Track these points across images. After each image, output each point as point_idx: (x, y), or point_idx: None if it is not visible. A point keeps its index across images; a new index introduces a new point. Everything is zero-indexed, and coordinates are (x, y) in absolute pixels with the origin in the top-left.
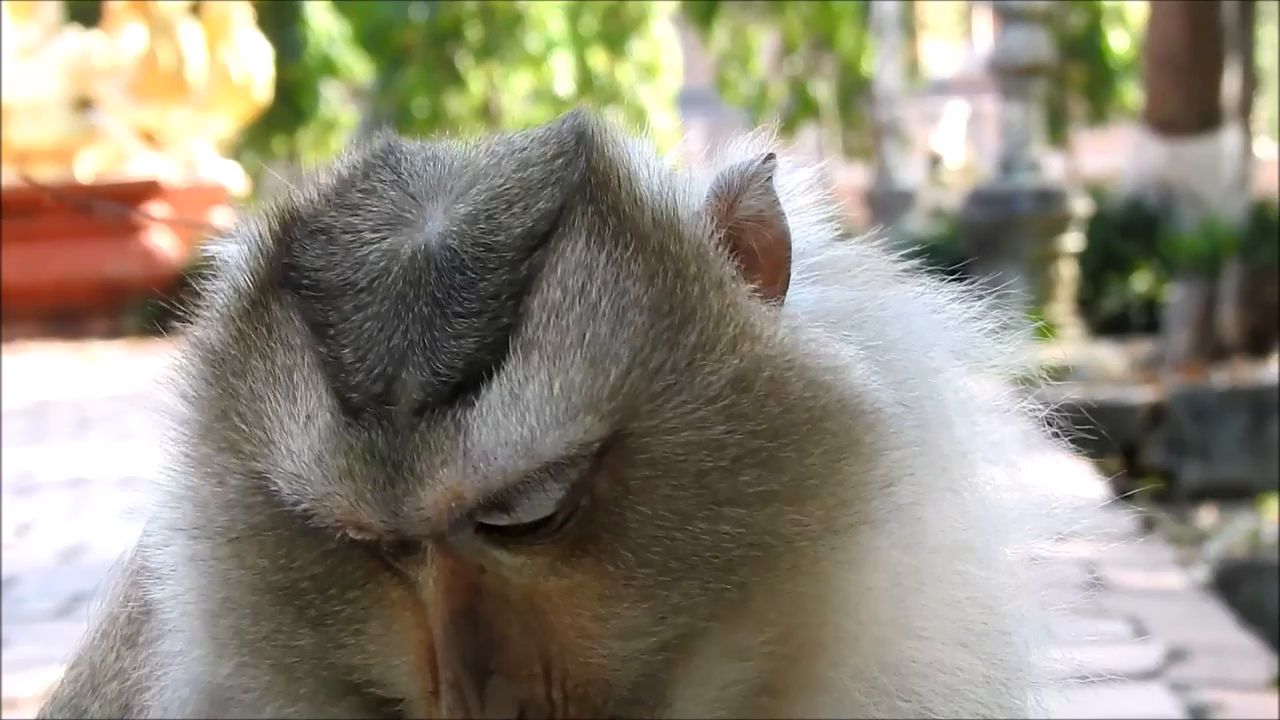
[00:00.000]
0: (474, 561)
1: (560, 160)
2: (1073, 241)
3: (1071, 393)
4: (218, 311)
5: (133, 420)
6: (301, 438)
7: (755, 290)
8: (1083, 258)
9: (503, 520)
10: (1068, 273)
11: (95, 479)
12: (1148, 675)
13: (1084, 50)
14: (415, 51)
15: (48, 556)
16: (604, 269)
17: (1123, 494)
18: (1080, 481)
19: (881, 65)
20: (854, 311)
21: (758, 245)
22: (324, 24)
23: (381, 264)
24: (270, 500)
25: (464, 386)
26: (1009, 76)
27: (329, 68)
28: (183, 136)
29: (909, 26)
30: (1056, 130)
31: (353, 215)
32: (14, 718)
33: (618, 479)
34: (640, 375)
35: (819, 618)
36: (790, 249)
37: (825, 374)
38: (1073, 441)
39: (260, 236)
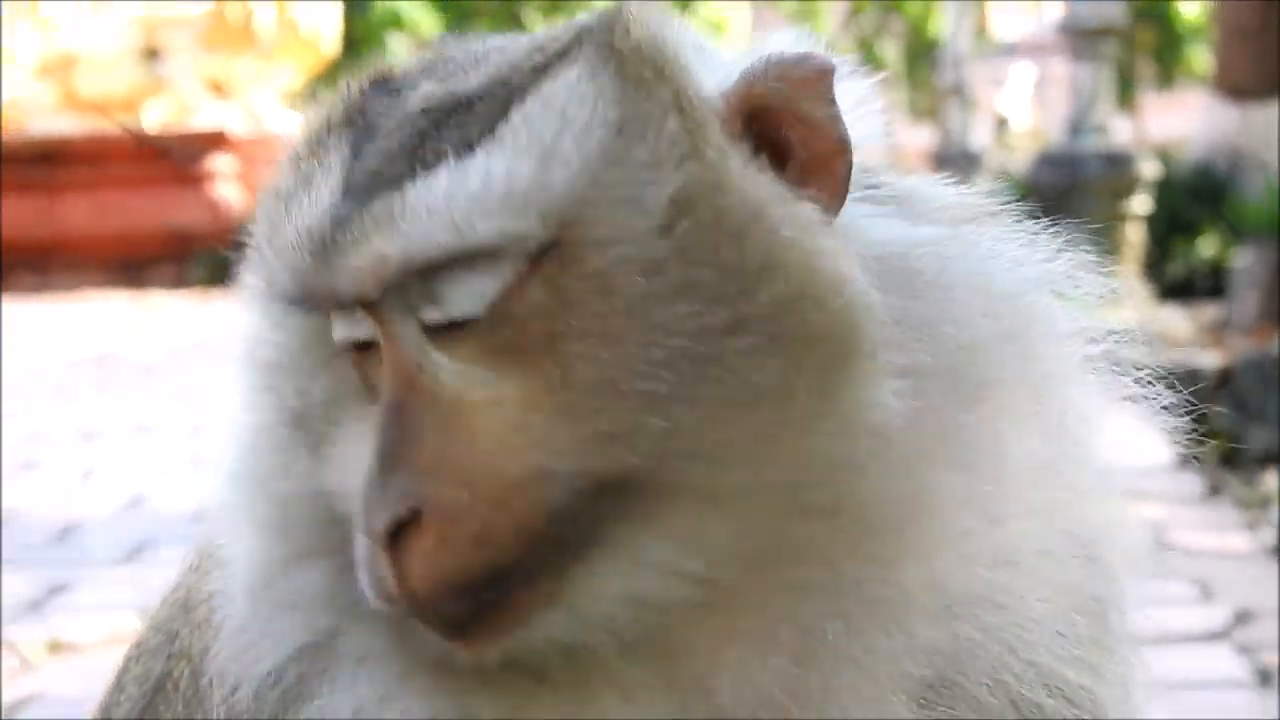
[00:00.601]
0: (414, 359)
1: (590, 20)
2: (1140, 205)
3: (1140, 355)
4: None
5: (196, 370)
6: (280, 228)
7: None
8: (1150, 221)
9: (434, 313)
10: (1135, 236)
11: (159, 428)
12: (1214, 637)
13: (1153, 14)
14: (483, 6)
15: (112, 504)
16: (586, 92)
17: (1190, 457)
18: (1148, 443)
19: (950, 27)
20: (924, 244)
21: (806, 150)
22: None
23: (411, 100)
24: (276, 314)
25: (416, 169)
26: (1079, 38)
27: (396, 21)
28: (249, 88)
29: None
30: (1125, 94)
31: (416, 72)
32: (82, 660)
33: (553, 289)
34: (587, 184)
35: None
36: (849, 161)
37: (786, 227)
38: (1142, 403)
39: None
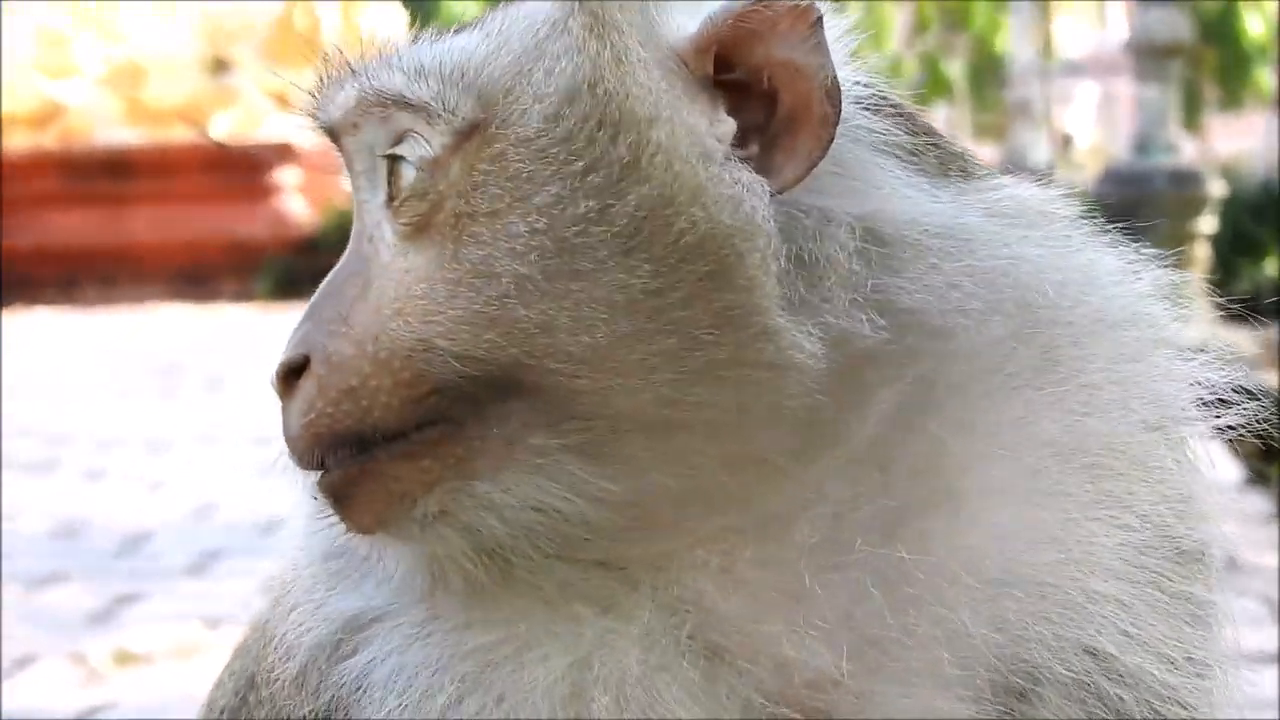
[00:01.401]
0: (368, 231)
1: None
2: (1207, 224)
3: (1208, 372)
4: None
5: (262, 381)
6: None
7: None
8: (1214, 240)
9: (388, 149)
10: (1201, 254)
11: (226, 438)
12: None
13: (1218, 33)
14: None
15: (179, 514)
16: (544, 6)
17: (1257, 476)
18: (1216, 462)
19: (1014, 44)
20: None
21: (790, 93)
22: None
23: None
24: None
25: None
26: (1146, 56)
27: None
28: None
29: (1044, 6)
30: (1190, 113)
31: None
32: (150, 670)
33: (468, 168)
34: (515, 71)
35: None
36: (833, 103)
37: (661, 134)
38: (1209, 421)
39: None
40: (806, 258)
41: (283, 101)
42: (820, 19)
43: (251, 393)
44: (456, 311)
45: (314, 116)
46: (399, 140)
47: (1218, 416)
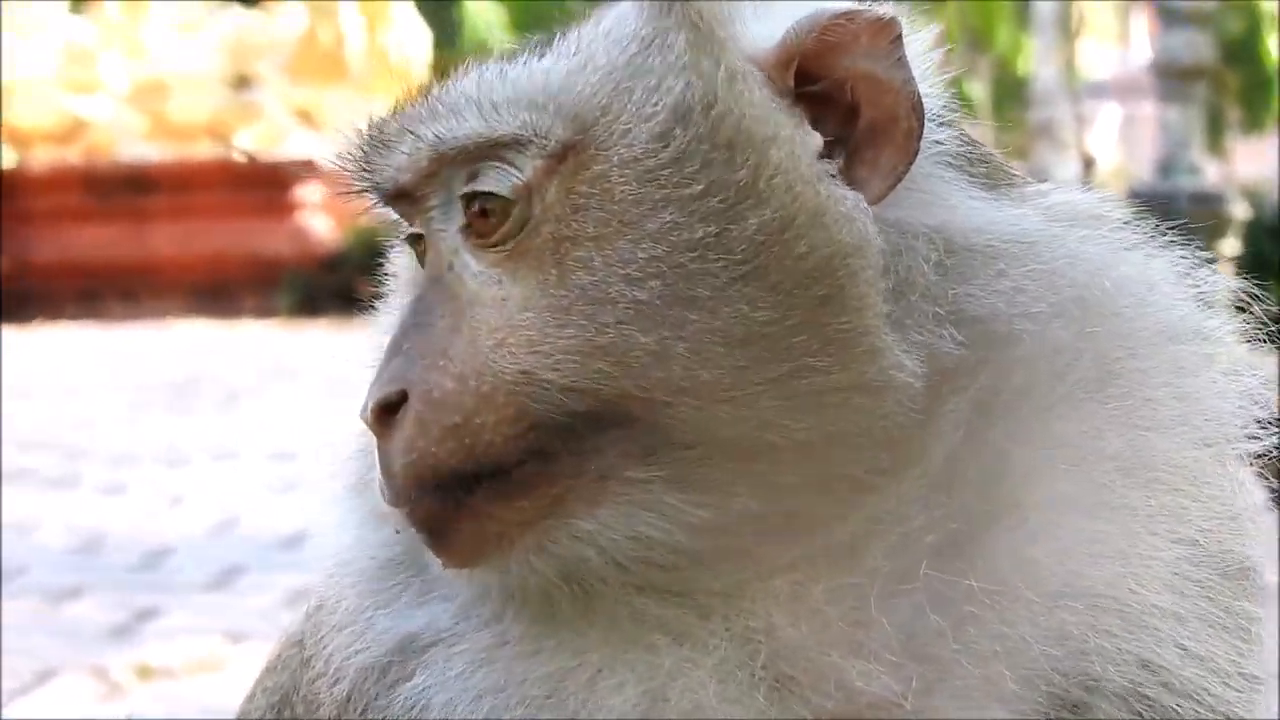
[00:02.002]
0: (447, 257)
1: None
2: (1229, 246)
3: (1259, 391)
4: None
5: (282, 396)
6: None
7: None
8: (1238, 263)
9: (468, 185)
10: (1226, 278)
11: (245, 453)
12: None
13: (1242, 56)
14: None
15: (199, 529)
16: (629, 14)
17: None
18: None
19: (1038, 65)
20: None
21: (873, 107)
22: (482, 9)
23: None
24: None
25: (465, 74)
26: (1170, 78)
27: (485, 51)
28: (339, 117)
29: (1067, 27)
30: (1214, 136)
31: None
32: (171, 685)
33: (566, 192)
34: (609, 89)
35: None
36: (919, 118)
37: (778, 153)
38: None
39: None
40: (892, 273)
41: (306, 118)
42: (901, 32)
43: (271, 408)
44: (565, 341)
45: (374, 184)
46: (478, 173)
47: (1260, 436)
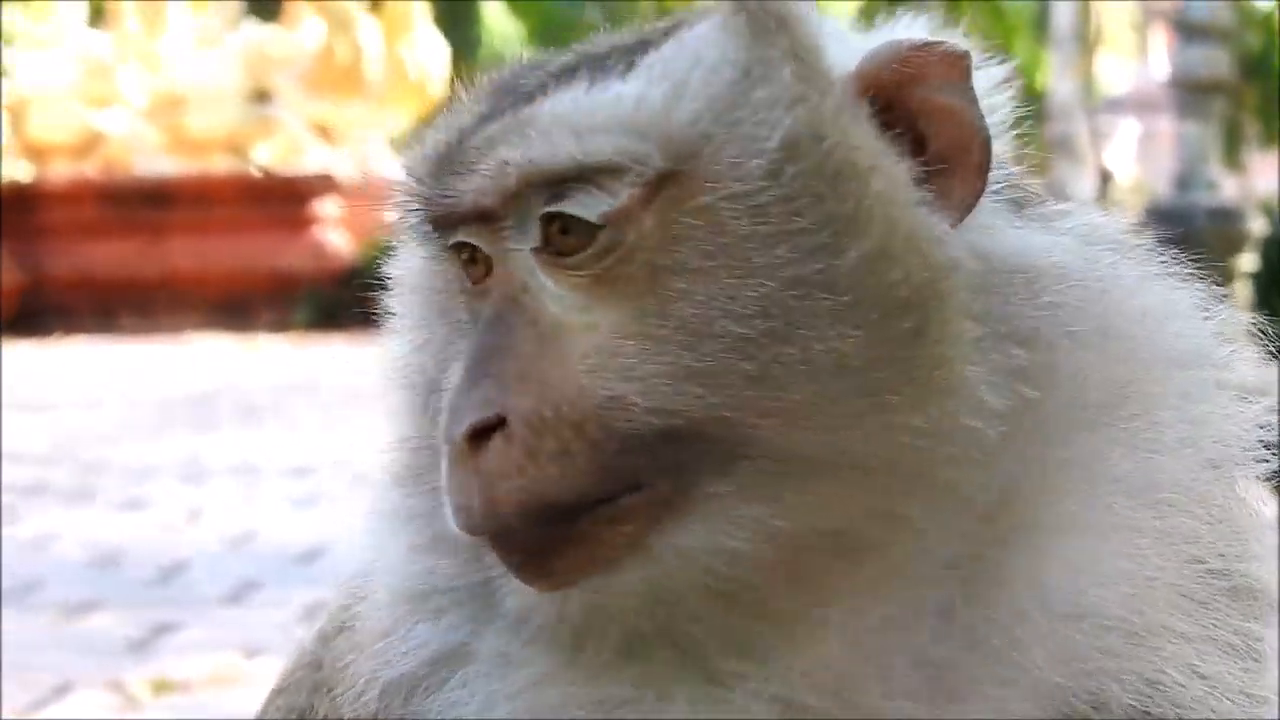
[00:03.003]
0: (521, 278)
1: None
2: (1247, 261)
3: (1267, 418)
4: None
5: (300, 411)
6: (415, 155)
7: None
8: (1255, 277)
9: (551, 205)
10: (1241, 292)
11: (264, 468)
12: None
13: (1259, 70)
14: None
15: (218, 543)
16: (717, 38)
17: None
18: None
19: (1055, 80)
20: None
21: (941, 138)
22: (500, 23)
23: (549, 65)
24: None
25: (547, 90)
26: (1187, 93)
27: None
28: (357, 131)
29: (1084, 42)
30: (1231, 151)
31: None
32: (187, 700)
33: (664, 220)
34: (710, 119)
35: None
36: (987, 150)
37: (879, 183)
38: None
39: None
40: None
41: (324, 132)
42: (972, 64)
43: (289, 423)
44: (663, 367)
45: (448, 206)
46: (564, 195)
47: (1268, 460)
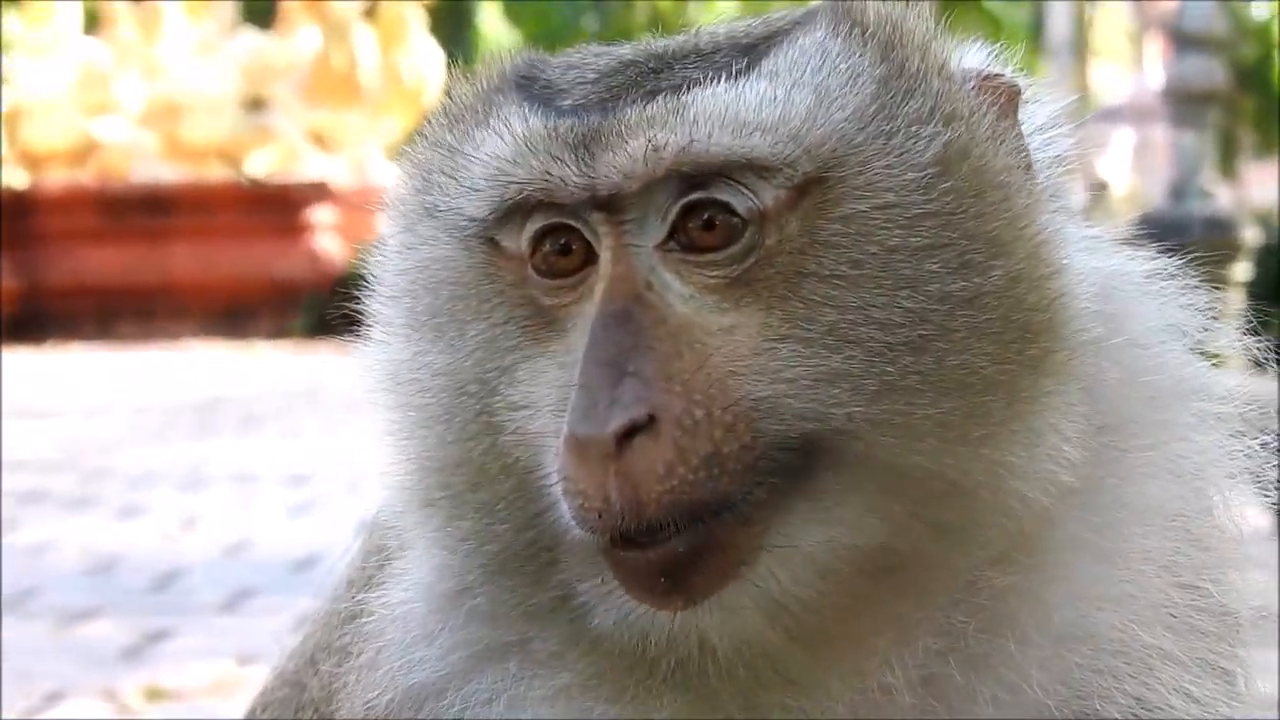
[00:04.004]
0: (644, 274)
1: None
2: (1242, 271)
3: (1247, 422)
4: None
5: (297, 419)
6: (500, 141)
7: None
8: (1250, 287)
9: (695, 194)
10: (1236, 301)
11: (261, 475)
12: None
13: (1255, 80)
14: None
15: (214, 550)
16: (843, 48)
17: None
18: (1249, 513)
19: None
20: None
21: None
22: (496, 30)
23: (616, 53)
24: (456, 249)
25: (685, 82)
26: (1182, 102)
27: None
28: (353, 139)
29: (1080, 51)
30: (1226, 160)
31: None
32: (181, 708)
33: (809, 226)
34: (858, 128)
35: (980, 490)
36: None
37: (1021, 200)
38: (1245, 470)
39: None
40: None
41: (320, 140)
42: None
43: (288, 431)
44: (811, 372)
45: (581, 186)
46: (706, 188)
47: (1249, 467)
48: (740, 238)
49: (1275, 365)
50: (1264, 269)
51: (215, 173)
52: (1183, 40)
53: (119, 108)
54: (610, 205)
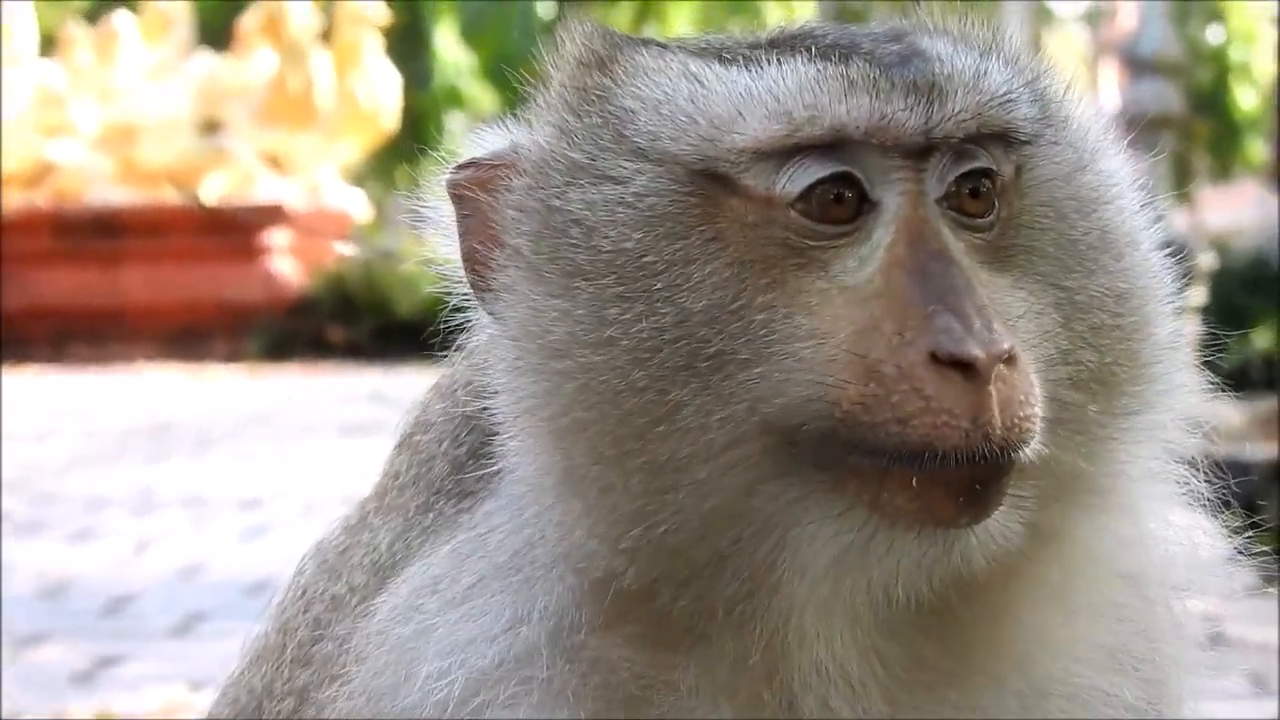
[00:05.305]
0: (936, 227)
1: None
2: (1196, 296)
3: (1202, 448)
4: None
5: (251, 442)
6: (794, 80)
7: None
8: (1205, 312)
9: (970, 163)
10: (1190, 328)
11: (214, 499)
12: None
13: (1210, 105)
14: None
15: (166, 574)
16: (1028, 62)
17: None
18: (1210, 536)
19: None
20: None
21: None
22: (452, 55)
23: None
24: (690, 197)
25: (956, 55)
26: (1137, 127)
27: (455, 99)
28: (309, 162)
29: None
30: (1181, 185)
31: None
32: None
33: (1022, 206)
34: (1044, 126)
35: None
36: None
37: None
38: (1203, 496)
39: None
40: None
41: (275, 163)
42: None
43: (241, 454)
44: (1070, 335)
45: (922, 129)
46: (975, 156)
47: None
48: (993, 207)
49: (1230, 390)
50: (1219, 294)
51: (170, 195)
52: (1138, 65)
53: (74, 131)
54: (922, 153)
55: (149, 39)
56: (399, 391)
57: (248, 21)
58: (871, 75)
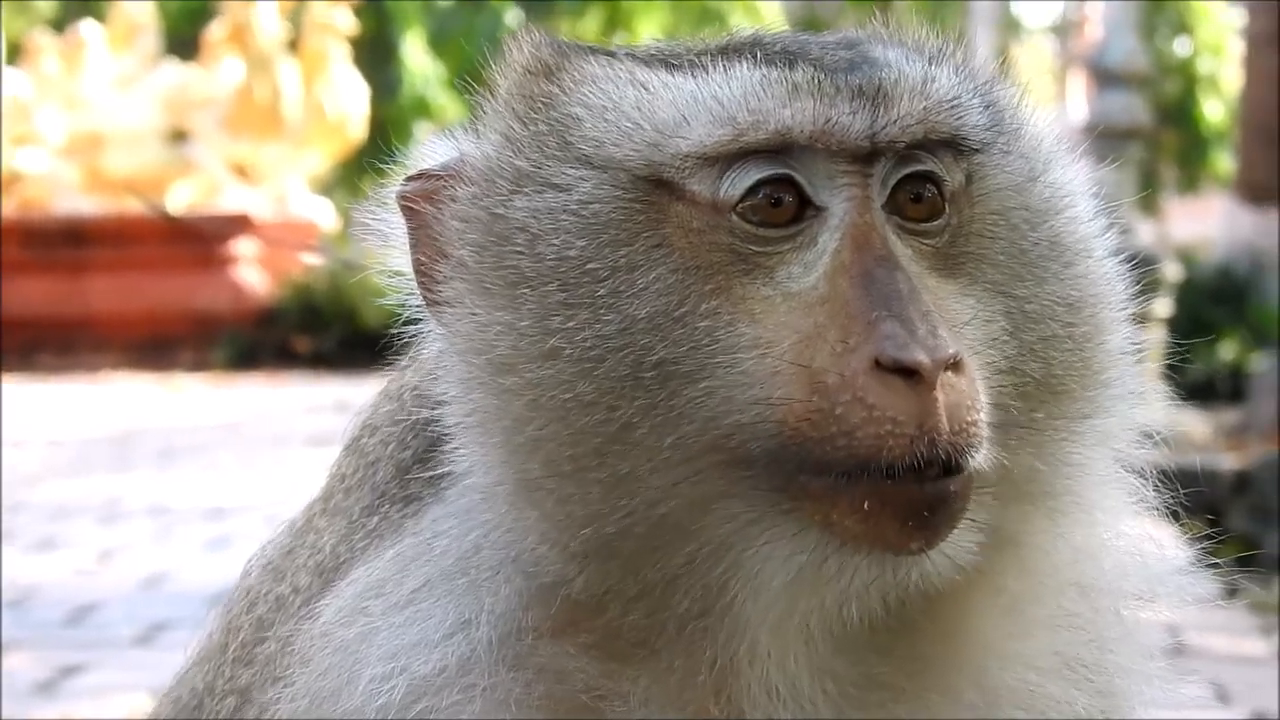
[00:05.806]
0: (881, 232)
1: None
2: (1162, 307)
3: (1158, 458)
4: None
5: (217, 452)
6: (738, 85)
7: None
8: (1170, 323)
9: (914, 166)
10: (1156, 338)
11: (179, 509)
12: None
13: (1177, 117)
14: None
15: (130, 583)
16: (985, 73)
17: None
18: (1165, 545)
19: None
20: None
21: None
22: (420, 65)
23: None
24: (616, 194)
25: (908, 61)
26: (1105, 138)
27: (423, 108)
28: (276, 171)
29: None
30: (1148, 197)
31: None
32: None
33: (972, 214)
34: (995, 135)
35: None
36: None
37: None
38: (1159, 505)
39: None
40: None
41: (242, 172)
42: None
43: (207, 464)
44: (1017, 343)
45: (867, 134)
46: (920, 161)
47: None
48: (941, 213)
49: (1196, 401)
50: (1185, 305)
51: (137, 205)
52: (1105, 76)
53: (41, 139)
54: (868, 158)
55: (116, 48)
56: (365, 401)
57: (215, 31)
58: (817, 79)
